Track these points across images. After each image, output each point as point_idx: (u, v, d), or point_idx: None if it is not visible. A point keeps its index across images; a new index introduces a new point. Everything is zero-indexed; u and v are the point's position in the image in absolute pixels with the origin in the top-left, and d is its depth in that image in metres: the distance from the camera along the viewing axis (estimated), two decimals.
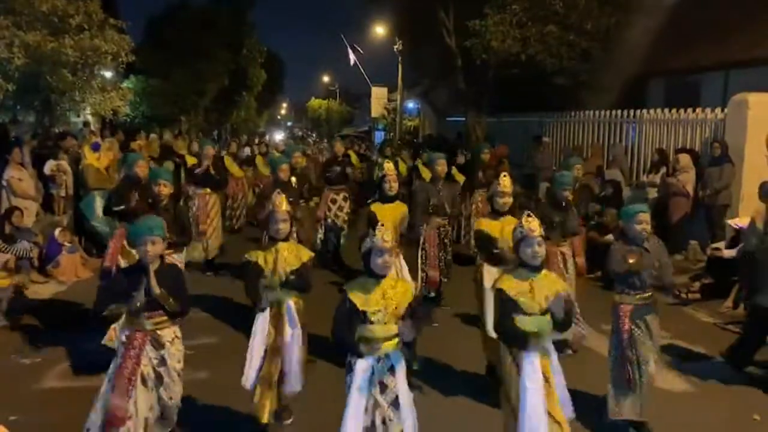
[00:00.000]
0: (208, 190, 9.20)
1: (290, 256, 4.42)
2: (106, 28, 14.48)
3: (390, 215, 6.03)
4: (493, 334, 4.09)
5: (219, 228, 9.40)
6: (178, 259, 5.67)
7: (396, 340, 3.57)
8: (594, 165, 11.50)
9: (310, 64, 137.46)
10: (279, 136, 46.38)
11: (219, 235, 9.39)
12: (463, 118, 18.35)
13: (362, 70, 32.69)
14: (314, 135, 52.20)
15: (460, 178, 10.19)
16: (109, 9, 15.33)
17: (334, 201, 9.46)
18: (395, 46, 23.54)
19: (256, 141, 23.50)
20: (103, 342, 5.52)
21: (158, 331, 3.93)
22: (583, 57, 14.14)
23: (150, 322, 3.90)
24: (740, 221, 6.96)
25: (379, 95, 31.20)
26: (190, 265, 7.65)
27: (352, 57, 32.12)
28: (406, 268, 5.84)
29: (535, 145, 13.64)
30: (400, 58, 24.22)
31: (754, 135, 9.36)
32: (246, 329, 4.58)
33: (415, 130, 28.17)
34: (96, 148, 10.41)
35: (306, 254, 4.53)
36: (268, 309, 4.43)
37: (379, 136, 32.42)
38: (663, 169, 10.27)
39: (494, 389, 4.65)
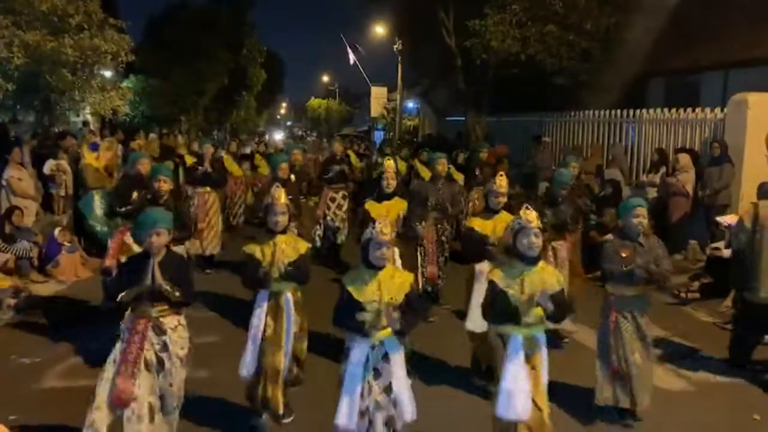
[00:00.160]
0: (208, 188, 9.26)
1: (288, 248, 4.47)
2: (106, 27, 14.49)
3: (387, 212, 6.12)
4: (473, 328, 4.64)
5: (218, 226, 9.44)
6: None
7: (390, 328, 3.63)
8: (594, 165, 11.51)
9: (309, 64, 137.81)
10: (278, 136, 46.43)
11: (218, 233, 9.43)
12: (463, 118, 18.35)
13: (362, 70, 32.69)
14: (314, 134, 52.15)
15: (459, 177, 10.20)
16: (108, 9, 15.33)
17: (333, 200, 9.50)
18: (395, 46, 23.53)
19: (256, 140, 23.52)
20: None
21: (161, 318, 3.99)
22: (583, 57, 14.13)
23: (154, 310, 3.97)
24: (729, 219, 7.06)
25: (378, 95, 31.18)
26: (189, 261, 7.69)
27: (351, 56, 32.11)
28: (399, 261, 5.88)
29: (535, 144, 13.65)
30: (399, 58, 24.20)
31: (754, 135, 9.36)
32: (246, 327, 4.62)
33: (414, 129, 28.16)
34: (94, 147, 10.40)
35: (304, 246, 4.59)
36: (266, 301, 4.48)
37: (378, 136, 32.39)
38: (663, 169, 10.27)
39: (477, 378, 5.20)
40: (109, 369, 3.95)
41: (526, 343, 3.76)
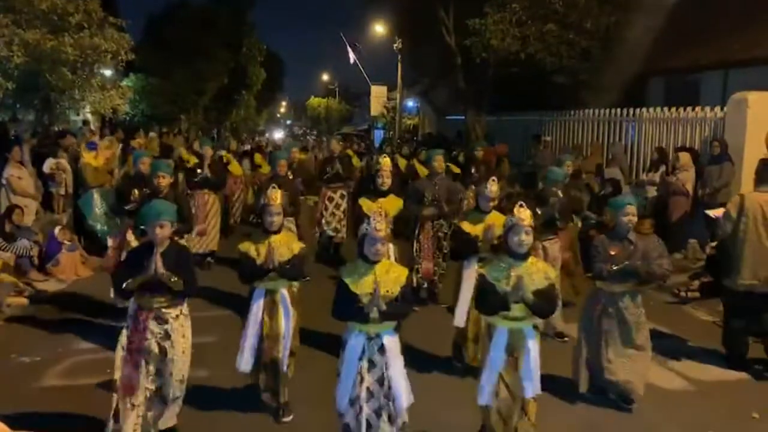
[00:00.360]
0: (206, 189, 9.32)
1: (282, 247, 4.59)
2: (106, 26, 14.46)
3: (382, 205, 6.16)
4: (457, 323, 5.17)
5: (217, 227, 9.55)
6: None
7: (387, 322, 3.76)
8: (594, 164, 11.51)
9: (309, 63, 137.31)
10: (278, 135, 46.42)
11: (218, 232, 9.56)
12: (463, 117, 18.33)
13: (362, 69, 32.68)
14: (314, 133, 52.15)
15: (457, 171, 10.32)
16: (108, 7, 15.30)
17: (331, 199, 9.55)
18: (395, 45, 23.49)
19: (256, 139, 23.52)
20: None
21: (163, 309, 4.12)
22: (583, 56, 14.13)
23: (156, 300, 4.10)
24: (717, 212, 7.16)
25: (378, 94, 31.18)
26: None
27: (351, 56, 32.08)
28: (393, 257, 5.95)
29: (535, 143, 13.65)
30: (399, 57, 24.18)
31: (754, 134, 9.36)
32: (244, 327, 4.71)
33: (414, 128, 28.14)
34: (91, 146, 10.40)
35: (298, 246, 4.72)
36: (262, 298, 4.61)
37: (378, 135, 32.39)
38: (662, 168, 10.27)
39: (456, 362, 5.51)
40: (118, 357, 4.11)
41: (511, 336, 3.92)
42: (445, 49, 16.97)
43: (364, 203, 6.60)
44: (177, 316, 4.19)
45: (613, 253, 4.85)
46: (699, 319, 7.44)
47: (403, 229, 7.20)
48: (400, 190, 7.43)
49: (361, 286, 3.73)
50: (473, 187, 9.59)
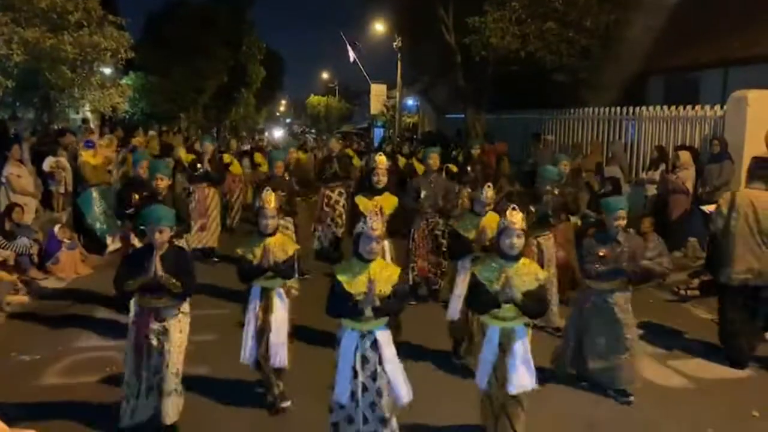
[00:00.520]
0: (205, 183, 9.42)
1: (277, 249, 4.72)
2: (105, 24, 14.43)
3: (376, 206, 6.19)
4: (450, 316, 5.39)
5: (218, 219, 9.67)
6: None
7: (380, 318, 3.86)
8: (593, 162, 11.49)
9: (309, 61, 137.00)
10: (278, 134, 46.38)
11: (218, 225, 9.67)
12: (463, 115, 18.33)
13: (361, 67, 32.69)
14: (313, 131, 52.12)
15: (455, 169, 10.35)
16: (108, 6, 15.26)
17: (329, 198, 9.55)
18: (394, 44, 23.50)
19: (255, 137, 23.52)
20: None
21: (162, 308, 4.28)
22: (583, 54, 14.11)
23: (155, 300, 4.26)
24: (710, 207, 7.29)
25: (378, 92, 31.20)
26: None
27: (351, 54, 32.08)
28: (388, 255, 6.08)
29: (535, 142, 13.64)
30: (399, 55, 24.19)
31: (754, 132, 9.35)
32: (243, 325, 4.80)
33: (414, 127, 28.14)
34: (88, 145, 10.42)
35: (292, 247, 4.86)
36: (258, 296, 4.74)
37: (378, 134, 32.39)
38: (662, 166, 10.26)
39: (455, 357, 5.67)
40: (127, 354, 4.34)
41: (503, 334, 4.02)
42: (445, 47, 16.95)
43: (360, 201, 6.66)
44: (176, 314, 4.34)
45: (601, 253, 5.01)
46: (699, 317, 7.45)
47: (400, 227, 7.23)
48: (397, 188, 7.47)
49: (356, 285, 3.81)
50: (469, 186, 9.70)
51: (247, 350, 4.72)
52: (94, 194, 9.33)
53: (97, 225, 9.37)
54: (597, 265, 5.01)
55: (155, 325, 4.26)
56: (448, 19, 16.48)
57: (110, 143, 11.16)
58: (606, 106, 12.92)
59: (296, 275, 5.08)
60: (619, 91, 13.72)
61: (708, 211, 7.50)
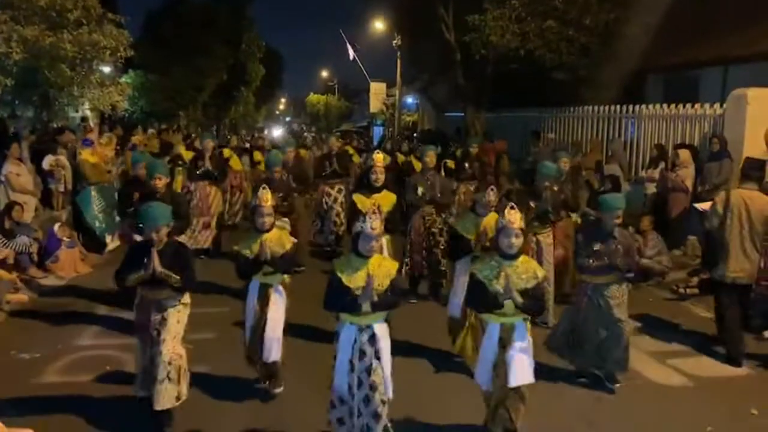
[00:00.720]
0: (207, 181, 9.44)
1: (274, 245, 4.80)
2: (105, 22, 14.43)
3: (376, 201, 6.34)
4: (450, 313, 5.42)
5: (215, 219, 9.64)
6: None
7: (378, 312, 3.91)
8: (593, 160, 11.50)
9: (308, 59, 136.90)
10: (277, 132, 46.33)
11: (215, 227, 9.64)
12: (462, 114, 18.33)
13: (361, 66, 32.67)
14: (312, 129, 52.05)
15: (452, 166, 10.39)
16: (107, 4, 15.26)
17: (328, 194, 9.61)
18: (394, 42, 23.50)
19: (255, 135, 23.51)
20: None
21: (162, 300, 4.39)
22: (582, 52, 14.10)
23: (155, 293, 4.39)
24: (704, 205, 7.46)
25: (377, 90, 31.19)
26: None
27: (351, 52, 32.06)
28: (386, 251, 6.15)
29: (534, 140, 13.63)
30: (399, 54, 24.18)
31: (753, 130, 9.34)
32: (242, 323, 4.91)
33: (413, 125, 28.13)
34: (86, 143, 10.41)
35: (289, 242, 4.94)
36: (257, 291, 4.86)
37: (377, 132, 32.38)
38: (662, 164, 10.25)
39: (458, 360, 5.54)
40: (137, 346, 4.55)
41: (503, 330, 4.06)
42: (445, 45, 16.95)
43: (359, 200, 6.73)
44: (176, 305, 4.46)
45: (596, 248, 5.10)
46: (698, 315, 7.44)
47: (398, 224, 7.22)
48: (395, 186, 7.49)
49: (354, 280, 3.86)
50: (467, 183, 9.89)
51: (249, 337, 4.87)
52: (93, 193, 9.31)
53: (96, 223, 9.36)
54: (591, 260, 5.11)
55: (156, 316, 4.38)
56: (448, 17, 16.48)
57: (109, 142, 11.14)
58: (606, 105, 12.92)
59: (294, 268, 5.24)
60: (619, 89, 13.71)
61: (702, 209, 7.59)
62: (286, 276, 5.07)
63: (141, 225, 4.64)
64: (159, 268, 4.24)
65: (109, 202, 9.18)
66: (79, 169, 10.05)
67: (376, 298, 3.82)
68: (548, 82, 15.16)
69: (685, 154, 9.72)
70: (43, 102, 14.87)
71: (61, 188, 10.36)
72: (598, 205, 5.58)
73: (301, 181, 9.17)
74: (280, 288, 4.94)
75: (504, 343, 4.04)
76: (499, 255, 4.10)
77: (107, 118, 19.72)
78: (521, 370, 4.00)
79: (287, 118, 75.46)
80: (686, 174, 9.61)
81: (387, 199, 6.68)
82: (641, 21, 13.86)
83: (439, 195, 7.49)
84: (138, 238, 6.36)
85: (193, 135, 20.67)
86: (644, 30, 13.89)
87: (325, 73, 58.14)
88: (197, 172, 9.40)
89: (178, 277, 4.29)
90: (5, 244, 7.98)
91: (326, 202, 9.62)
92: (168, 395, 4.29)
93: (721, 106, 10.15)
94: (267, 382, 5.03)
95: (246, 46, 30.71)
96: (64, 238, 8.76)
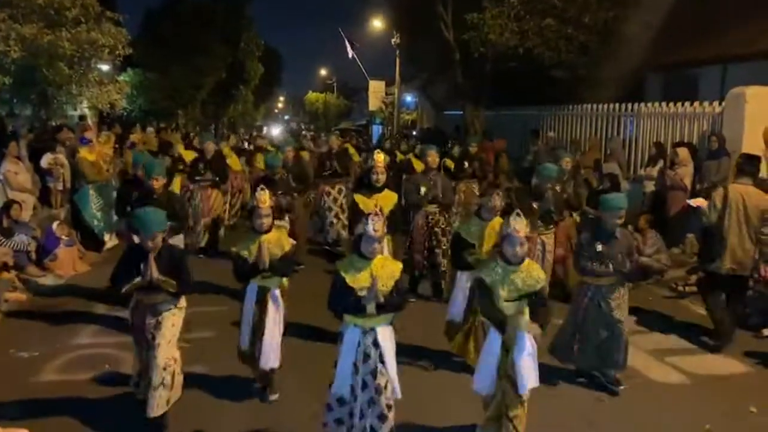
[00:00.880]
0: (209, 183, 9.52)
1: (273, 246, 4.76)
2: (103, 21, 14.42)
3: (376, 204, 6.21)
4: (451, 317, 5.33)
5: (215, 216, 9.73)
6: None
7: (382, 315, 3.89)
8: (592, 158, 11.50)
9: (307, 58, 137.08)
10: (276, 131, 46.30)
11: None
12: (461, 112, 18.31)
13: (360, 64, 32.63)
14: (311, 127, 52.02)
15: (452, 167, 10.39)
16: (106, 2, 15.25)
17: (328, 194, 9.61)
18: (393, 40, 23.46)
19: (254, 133, 23.48)
20: None
21: (157, 305, 4.36)
22: (581, 50, 14.11)
23: (151, 298, 4.35)
24: (697, 201, 7.60)
25: (376, 89, 31.14)
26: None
27: (350, 51, 32.01)
28: (386, 250, 6.01)
29: (533, 138, 13.63)
30: (398, 52, 24.14)
31: (752, 128, 9.36)
32: (240, 322, 4.86)
33: (412, 123, 28.11)
34: (83, 142, 10.39)
35: (288, 243, 4.90)
36: (255, 294, 4.77)
37: (376, 130, 32.37)
38: (660, 163, 10.27)
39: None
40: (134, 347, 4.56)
41: (507, 334, 3.96)
42: (444, 43, 16.93)
43: (360, 200, 6.69)
44: (171, 309, 4.42)
45: (598, 249, 5.09)
46: (696, 313, 7.43)
47: (400, 224, 7.21)
48: (396, 185, 7.49)
49: (358, 281, 3.83)
50: (467, 181, 9.99)
51: (245, 341, 4.83)
52: (91, 191, 9.30)
53: (95, 222, 9.35)
54: (593, 263, 5.09)
55: (151, 320, 4.36)
56: (447, 15, 16.46)
57: (108, 140, 11.12)
58: (604, 103, 12.93)
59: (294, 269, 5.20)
60: (618, 88, 13.71)
61: (696, 205, 7.69)
62: (284, 279, 5.00)
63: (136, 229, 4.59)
64: (156, 275, 4.23)
65: (108, 201, 9.18)
66: (78, 167, 10.03)
67: (381, 299, 3.80)
68: (547, 80, 15.16)
69: (683, 153, 9.73)
70: (41, 100, 14.85)
71: (60, 186, 10.34)
72: (597, 203, 5.57)
73: (301, 181, 9.18)
74: (277, 293, 4.84)
75: (507, 347, 3.98)
76: (502, 260, 4.05)
77: (106, 117, 19.69)
78: (529, 376, 3.93)
79: (286, 117, 75.40)
80: (685, 172, 9.62)
81: (388, 199, 6.65)
82: (640, 19, 13.87)
83: (440, 195, 7.49)
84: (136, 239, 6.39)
85: (191, 134, 20.67)
86: (643, 28, 13.90)
87: (324, 72, 58.08)
88: (197, 178, 9.46)
89: (174, 283, 4.28)
90: (3, 242, 7.97)
91: (325, 202, 9.63)
92: (162, 401, 4.29)
93: (720, 104, 10.16)
94: (263, 388, 4.96)
95: (245, 45, 30.68)
96: (63, 237, 8.74)
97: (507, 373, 3.97)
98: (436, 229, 7.43)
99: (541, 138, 13.61)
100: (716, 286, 6.39)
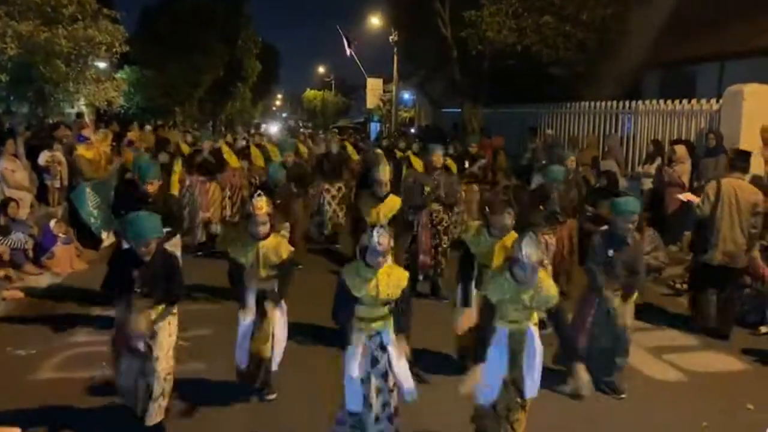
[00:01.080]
0: (207, 177, 9.53)
1: (271, 253, 4.66)
2: (100, 18, 14.38)
3: (381, 210, 6.23)
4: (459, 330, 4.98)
5: (218, 213, 9.79)
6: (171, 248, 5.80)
7: (386, 319, 3.89)
8: (590, 156, 11.49)
9: (305, 55, 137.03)
10: (274, 128, 46.22)
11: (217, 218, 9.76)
12: (459, 110, 18.30)
13: (358, 62, 32.59)
14: (309, 125, 51.97)
15: (453, 167, 10.32)
16: None
17: (328, 191, 9.63)
18: (391, 37, 23.44)
19: (252, 131, 23.45)
20: None
21: (150, 310, 4.21)
22: (579, 48, 14.08)
23: (142, 304, 4.21)
24: (688, 196, 7.94)
25: (374, 86, 31.14)
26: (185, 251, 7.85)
27: (348, 48, 31.98)
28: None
29: (531, 136, 13.63)
30: (395, 50, 24.12)
31: (749, 126, 9.37)
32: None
33: (410, 121, 28.10)
34: (81, 139, 10.36)
35: (286, 250, 4.75)
36: (253, 300, 4.69)
37: (374, 128, 32.35)
38: (658, 160, 10.28)
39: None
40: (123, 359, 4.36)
41: (512, 336, 3.85)
42: (441, 41, 16.90)
43: (365, 209, 6.40)
44: (165, 317, 4.31)
45: (610, 255, 5.03)
46: None
47: (403, 227, 7.11)
48: (395, 184, 7.40)
49: (363, 290, 3.82)
50: (469, 182, 10.01)
51: (242, 355, 4.74)
52: (87, 189, 9.27)
53: (92, 220, 9.31)
54: (604, 268, 5.04)
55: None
56: (445, 12, 16.43)
57: (105, 137, 11.09)
58: (602, 100, 12.94)
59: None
60: (616, 85, 13.72)
61: (686, 200, 7.94)
62: (284, 230, 4.99)
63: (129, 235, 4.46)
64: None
65: (105, 199, 9.14)
66: (75, 164, 10.01)
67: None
68: (545, 77, 15.13)
69: (681, 150, 9.73)
70: (38, 98, 14.80)
71: (57, 184, 10.31)
72: (595, 201, 5.56)
73: (301, 183, 9.16)
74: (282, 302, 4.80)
75: (512, 350, 3.84)
76: (513, 278, 3.76)
77: (103, 114, 19.65)
78: (535, 381, 3.88)
79: (284, 114, 75.35)
80: (683, 170, 9.62)
81: (392, 204, 6.44)
82: (638, 17, 13.86)
83: (443, 195, 7.46)
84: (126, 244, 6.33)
85: (189, 131, 20.60)
86: (641, 26, 13.89)
87: (321, 69, 58.06)
88: (194, 165, 9.46)
89: (163, 292, 4.21)
90: (0, 240, 7.96)
91: (324, 198, 9.63)
92: (161, 410, 4.28)
93: (718, 101, 10.17)
94: (261, 387, 4.92)
95: (242, 42, 30.63)
96: (60, 235, 8.73)
97: (513, 378, 3.88)
98: (438, 227, 7.42)
99: (539, 135, 13.59)
100: (708, 279, 6.54)
